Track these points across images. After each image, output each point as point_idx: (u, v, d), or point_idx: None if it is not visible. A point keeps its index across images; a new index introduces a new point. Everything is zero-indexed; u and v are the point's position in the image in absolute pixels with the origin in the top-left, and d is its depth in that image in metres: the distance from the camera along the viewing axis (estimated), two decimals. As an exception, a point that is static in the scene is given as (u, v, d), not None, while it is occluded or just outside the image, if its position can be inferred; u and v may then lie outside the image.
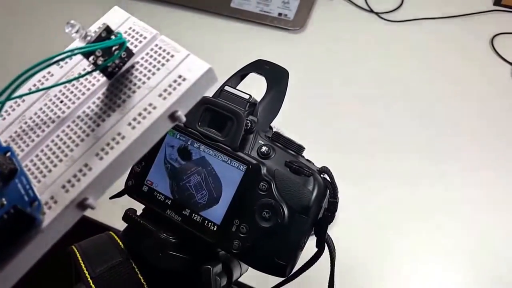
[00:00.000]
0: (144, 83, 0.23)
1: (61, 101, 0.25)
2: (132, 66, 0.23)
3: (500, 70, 0.70)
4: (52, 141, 0.23)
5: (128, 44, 0.24)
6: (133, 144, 0.21)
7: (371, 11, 0.78)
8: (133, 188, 0.35)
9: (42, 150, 0.23)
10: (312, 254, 0.35)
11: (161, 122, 0.22)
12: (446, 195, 0.60)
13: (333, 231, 0.53)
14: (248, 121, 0.33)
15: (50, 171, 0.22)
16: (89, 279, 0.34)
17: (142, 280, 0.34)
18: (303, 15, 0.78)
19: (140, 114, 0.22)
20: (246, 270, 0.39)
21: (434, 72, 0.72)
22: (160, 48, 0.24)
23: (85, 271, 0.34)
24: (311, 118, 0.69)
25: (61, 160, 0.22)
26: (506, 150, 0.63)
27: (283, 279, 0.35)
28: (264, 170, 0.32)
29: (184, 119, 0.22)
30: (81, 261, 0.35)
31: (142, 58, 0.24)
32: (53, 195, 0.21)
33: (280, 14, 0.79)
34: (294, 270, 0.34)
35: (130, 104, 0.22)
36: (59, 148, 0.23)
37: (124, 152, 0.21)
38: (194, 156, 0.34)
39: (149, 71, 0.23)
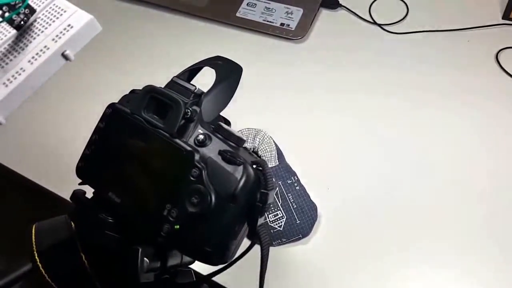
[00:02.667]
0: (42, 32, 0.29)
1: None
2: (35, 20, 0.29)
3: (504, 85, 0.70)
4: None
5: (32, 4, 0.30)
6: (31, 74, 0.27)
7: (374, 22, 0.80)
8: (82, 170, 0.39)
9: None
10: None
11: (53, 58, 0.27)
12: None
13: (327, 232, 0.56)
14: (188, 110, 0.35)
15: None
16: (34, 252, 0.37)
17: (83, 258, 0.37)
18: (305, 25, 0.81)
19: (37, 54, 0.28)
20: (192, 261, 0.40)
21: (437, 86, 0.72)
22: (56, 6, 0.30)
23: (33, 245, 0.38)
24: (311, 127, 0.71)
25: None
26: None
27: (216, 268, 0.37)
28: (197, 157, 0.34)
29: (72, 58, 0.28)
30: (33, 237, 0.39)
31: (43, 14, 0.29)
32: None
33: (282, 24, 0.82)
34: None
35: (30, 47, 0.28)
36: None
37: (24, 81, 0.27)
38: (139, 142, 0.37)
39: (47, 23, 0.29)
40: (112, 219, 0.36)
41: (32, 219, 0.41)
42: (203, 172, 0.34)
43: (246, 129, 0.66)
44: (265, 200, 0.34)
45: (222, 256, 0.34)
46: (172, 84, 0.37)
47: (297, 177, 0.63)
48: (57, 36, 0.27)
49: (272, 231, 0.59)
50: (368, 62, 0.76)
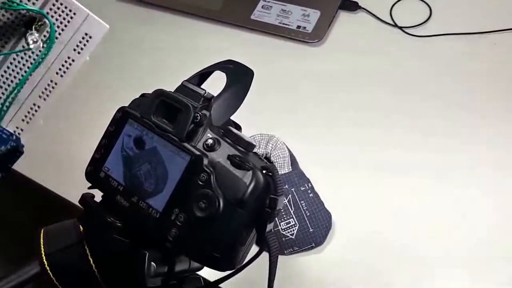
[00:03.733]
0: (56, 38, 0.29)
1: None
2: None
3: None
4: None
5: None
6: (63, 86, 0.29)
7: (395, 25, 0.80)
8: (91, 173, 0.40)
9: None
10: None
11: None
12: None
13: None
14: (198, 114, 0.36)
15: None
16: (42, 255, 0.39)
17: (91, 262, 0.38)
18: (322, 28, 0.81)
19: (63, 65, 0.28)
20: (200, 267, 0.41)
21: (461, 90, 0.71)
22: (61, 4, 0.31)
23: (41, 248, 0.39)
24: (327, 134, 0.70)
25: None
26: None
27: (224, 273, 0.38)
28: (205, 162, 0.34)
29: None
30: (41, 240, 0.40)
31: (48, 13, 0.30)
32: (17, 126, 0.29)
33: (298, 27, 0.82)
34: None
35: (49, 57, 0.29)
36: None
37: (58, 92, 0.29)
38: (148, 145, 0.38)
39: (57, 26, 0.29)
40: (120, 223, 0.37)
41: (41, 222, 0.42)
42: (212, 176, 0.34)
43: (259, 135, 0.66)
44: (274, 205, 0.34)
45: (230, 261, 0.34)
46: (182, 88, 0.38)
47: (310, 184, 0.63)
48: (78, 46, 0.28)
49: (284, 239, 0.59)
50: (388, 66, 0.76)
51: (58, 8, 0.30)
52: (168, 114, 0.37)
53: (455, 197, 0.62)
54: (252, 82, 0.40)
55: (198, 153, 0.35)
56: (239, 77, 0.39)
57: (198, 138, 0.36)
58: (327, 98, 0.74)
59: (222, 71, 0.39)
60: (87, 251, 0.39)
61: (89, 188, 0.41)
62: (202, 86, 0.39)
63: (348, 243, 0.61)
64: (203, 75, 0.41)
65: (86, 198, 0.39)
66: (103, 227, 0.37)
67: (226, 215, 0.33)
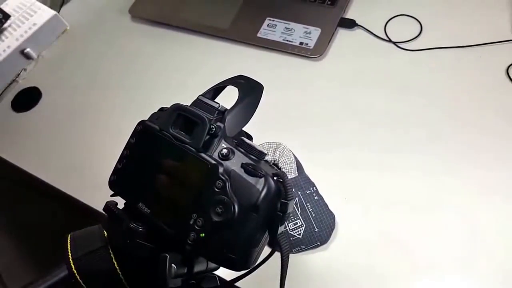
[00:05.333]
0: (11, 34, 0.29)
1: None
2: (10, 25, 0.30)
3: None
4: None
5: (8, 9, 0.30)
6: None
7: (390, 40, 0.79)
8: (114, 182, 0.39)
9: None
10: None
11: (13, 56, 0.28)
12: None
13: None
14: (213, 126, 0.36)
15: None
16: (70, 259, 0.38)
17: (116, 265, 0.38)
18: (323, 44, 0.81)
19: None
20: (216, 267, 0.40)
21: (450, 101, 0.70)
22: (31, 9, 0.30)
23: (69, 253, 0.39)
24: (328, 141, 0.70)
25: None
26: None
27: (239, 273, 0.37)
28: (221, 170, 0.34)
29: (34, 56, 0.28)
30: (68, 245, 0.39)
31: (18, 18, 0.30)
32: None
33: (301, 43, 0.82)
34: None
35: None
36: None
37: None
38: (166, 156, 0.37)
39: (18, 25, 0.29)
40: (143, 228, 0.36)
41: (68, 229, 0.41)
42: (227, 184, 0.34)
43: (267, 143, 0.66)
44: (285, 209, 0.34)
45: (245, 262, 0.34)
46: (197, 102, 0.38)
47: (315, 187, 0.62)
48: (21, 35, 0.27)
49: (291, 238, 0.59)
50: (383, 79, 0.75)
51: (25, 12, 0.30)
52: (185, 126, 0.37)
53: (458, 199, 0.61)
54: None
55: (214, 162, 0.35)
56: (250, 91, 0.39)
57: (214, 148, 0.36)
58: (329, 108, 0.74)
59: (234, 86, 0.40)
60: (112, 255, 0.38)
61: (111, 195, 0.41)
62: (216, 100, 0.39)
63: (350, 242, 0.60)
64: (217, 90, 0.41)
65: (109, 206, 0.39)
66: (127, 232, 0.36)
67: (241, 219, 0.33)
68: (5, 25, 0.28)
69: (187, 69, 0.86)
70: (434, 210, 0.61)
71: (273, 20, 0.86)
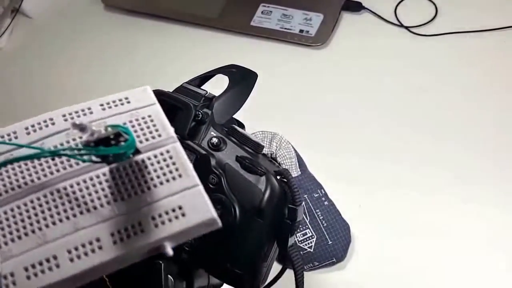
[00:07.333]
0: (142, 191, 0.19)
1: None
2: (137, 163, 0.20)
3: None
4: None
5: (137, 136, 0.21)
6: (109, 261, 0.18)
7: (401, 25, 0.71)
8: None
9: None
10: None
11: (141, 250, 0.18)
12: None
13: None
14: (199, 113, 0.32)
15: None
16: None
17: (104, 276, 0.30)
18: (326, 31, 0.72)
19: (126, 230, 0.18)
20: (220, 284, 0.33)
21: (465, 89, 0.64)
22: (170, 157, 0.20)
23: None
24: (334, 137, 0.62)
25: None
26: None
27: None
28: (213, 162, 0.30)
29: (170, 252, 0.18)
30: None
31: (149, 158, 0.20)
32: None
33: (301, 31, 0.73)
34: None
35: (120, 209, 0.18)
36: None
37: (92, 268, 0.18)
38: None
39: (151, 179, 0.19)
40: None
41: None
42: (222, 179, 0.29)
43: (260, 132, 0.56)
44: (294, 217, 0.29)
45: (254, 279, 0.30)
46: (181, 88, 0.34)
47: (324, 190, 0.52)
48: (160, 216, 0.20)
49: (301, 252, 0.48)
50: (394, 67, 0.67)
51: (162, 155, 0.21)
52: (168, 113, 0.29)
53: (484, 218, 0.53)
54: (255, 86, 0.36)
55: (203, 152, 0.30)
56: (242, 78, 0.36)
57: (201, 137, 0.32)
58: (333, 101, 0.65)
59: (224, 74, 0.36)
60: None
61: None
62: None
63: (371, 260, 0.50)
64: (203, 79, 0.37)
65: None
66: None
67: (244, 225, 0.29)
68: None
69: (172, 60, 0.76)
70: (464, 229, 0.52)
71: (268, 6, 0.77)
